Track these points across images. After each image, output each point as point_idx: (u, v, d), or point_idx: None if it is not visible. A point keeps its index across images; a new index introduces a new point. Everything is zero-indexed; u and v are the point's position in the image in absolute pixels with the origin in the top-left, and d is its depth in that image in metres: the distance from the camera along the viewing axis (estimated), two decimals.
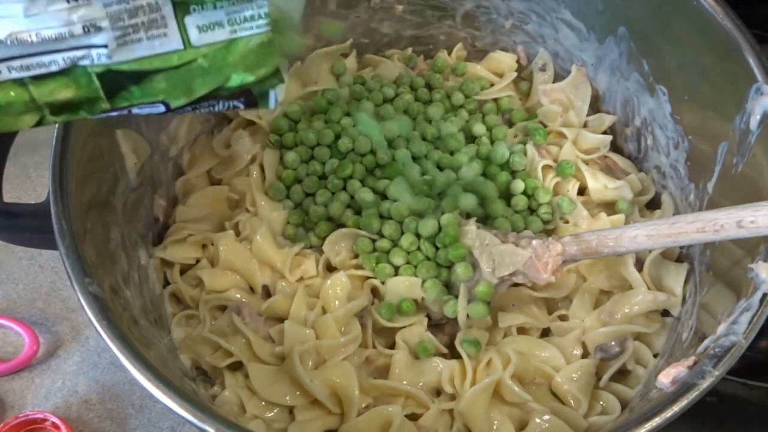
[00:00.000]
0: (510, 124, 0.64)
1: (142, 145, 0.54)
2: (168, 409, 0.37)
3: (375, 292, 0.54)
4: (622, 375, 0.51)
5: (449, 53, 0.68)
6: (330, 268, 0.55)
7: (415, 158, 0.58)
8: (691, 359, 0.40)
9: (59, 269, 0.65)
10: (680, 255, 0.54)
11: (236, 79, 0.33)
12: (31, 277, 0.66)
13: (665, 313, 0.52)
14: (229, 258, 0.54)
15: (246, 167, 0.60)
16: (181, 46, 0.31)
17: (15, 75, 0.30)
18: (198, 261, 0.56)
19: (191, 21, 0.31)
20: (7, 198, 0.48)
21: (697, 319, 0.47)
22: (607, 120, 0.62)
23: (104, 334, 0.39)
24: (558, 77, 0.65)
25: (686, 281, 0.52)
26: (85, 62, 0.31)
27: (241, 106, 0.35)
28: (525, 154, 0.60)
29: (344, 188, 0.57)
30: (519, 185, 0.58)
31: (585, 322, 0.52)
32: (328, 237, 0.55)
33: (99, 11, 0.29)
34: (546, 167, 0.59)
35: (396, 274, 0.53)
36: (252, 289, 0.54)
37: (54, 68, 0.30)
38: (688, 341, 0.47)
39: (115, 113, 0.33)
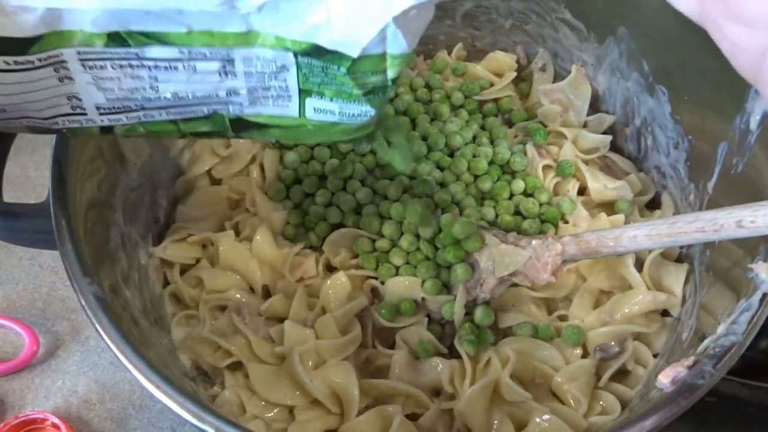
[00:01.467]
0: (510, 124, 0.64)
1: (142, 145, 0.54)
2: (168, 409, 0.37)
3: (375, 292, 0.54)
4: (622, 375, 0.51)
5: (449, 53, 0.68)
6: (330, 268, 0.55)
7: (414, 158, 0.58)
8: (691, 359, 0.40)
9: (59, 269, 0.65)
10: (680, 255, 0.54)
11: (336, 140, 0.42)
12: (31, 277, 0.66)
13: (665, 313, 0.52)
14: (229, 258, 0.54)
15: (246, 167, 0.60)
16: (297, 115, 0.39)
17: (171, 118, 0.39)
18: (198, 261, 0.56)
19: (310, 102, 0.38)
20: (7, 198, 0.48)
21: (697, 319, 0.47)
22: (607, 120, 0.62)
23: (104, 334, 0.39)
24: (558, 77, 0.65)
25: (686, 281, 0.51)
26: (223, 112, 0.39)
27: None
28: (525, 154, 0.60)
29: (344, 188, 0.57)
30: (519, 185, 0.58)
31: (585, 322, 0.52)
32: (327, 237, 0.55)
33: (241, 83, 0.37)
34: (546, 167, 0.59)
35: (396, 274, 0.53)
36: (252, 289, 0.54)
37: (199, 114, 0.39)
38: (688, 341, 0.47)
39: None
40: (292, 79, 0.37)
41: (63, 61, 0.35)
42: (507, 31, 0.66)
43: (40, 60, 0.34)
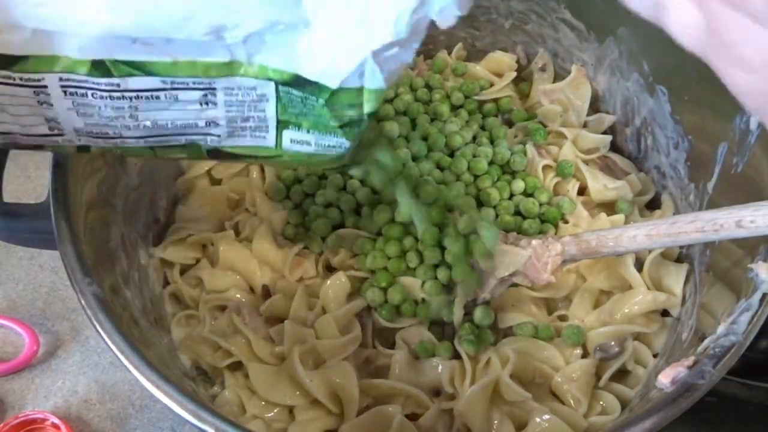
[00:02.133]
0: (510, 124, 0.64)
1: None
2: (168, 409, 0.37)
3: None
4: (622, 375, 0.51)
5: (449, 53, 0.68)
6: (330, 268, 0.55)
7: (414, 158, 0.58)
8: (691, 359, 0.40)
9: (59, 269, 0.65)
10: (680, 255, 0.54)
11: (311, 168, 0.42)
12: (31, 277, 0.66)
13: (665, 313, 0.52)
14: (229, 258, 0.54)
15: (246, 167, 0.60)
16: (273, 146, 0.40)
17: (148, 145, 0.39)
18: (198, 261, 0.56)
19: (287, 134, 0.39)
20: (7, 198, 0.48)
21: (697, 319, 0.47)
22: (607, 120, 0.62)
23: (104, 334, 0.39)
24: (558, 77, 0.65)
25: (686, 281, 0.51)
26: (200, 142, 0.39)
27: None
28: (525, 154, 0.60)
29: (344, 188, 0.57)
30: (519, 185, 0.58)
31: (585, 322, 0.52)
32: (327, 237, 0.55)
33: (221, 113, 0.37)
34: (546, 167, 0.59)
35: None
36: (252, 289, 0.54)
37: (176, 143, 0.39)
38: (688, 341, 0.47)
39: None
40: (270, 109, 0.37)
41: (44, 86, 0.35)
42: (507, 31, 0.66)
43: (21, 79, 0.34)
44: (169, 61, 0.35)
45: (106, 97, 0.35)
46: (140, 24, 0.33)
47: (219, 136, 0.39)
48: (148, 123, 0.37)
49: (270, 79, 0.36)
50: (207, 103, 0.37)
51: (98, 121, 0.37)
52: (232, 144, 0.39)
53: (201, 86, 0.36)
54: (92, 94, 0.35)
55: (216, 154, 0.40)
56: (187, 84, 0.36)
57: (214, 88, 0.36)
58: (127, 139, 0.38)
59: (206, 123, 0.38)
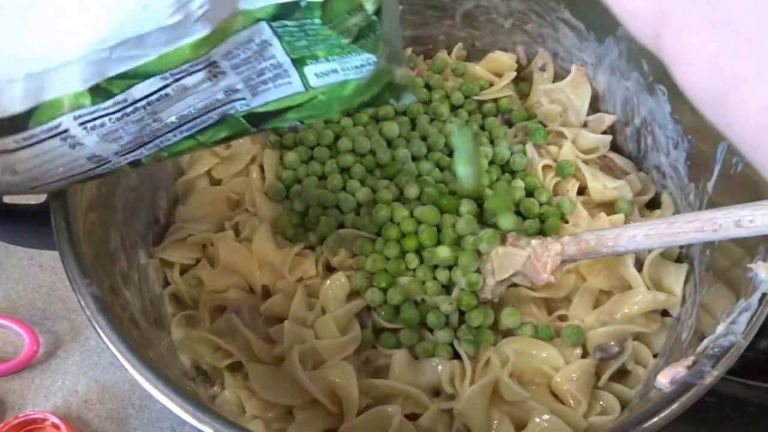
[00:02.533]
0: (510, 124, 0.64)
1: None
2: (168, 409, 0.38)
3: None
4: (621, 375, 0.50)
5: (449, 53, 0.68)
6: (330, 268, 0.55)
7: (414, 158, 0.58)
8: (690, 359, 0.40)
9: (59, 269, 0.65)
10: (680, 255, 0.54)
11: (356, 102, 0.39)
12: (31, 277, 0.66)
13: (665, 313, 0.52)
14: (229, 258, 0.54)
15: (246, 167, 0.60)
16: (303, 89, 0.38)
17: (185, 135, 0.39)
18: (198, 261, 0.56)
19: (309, 70, 0.37)
20: (7, 198, 0.48)
21: (697, 319, 0.47)
22: (607, 120, 0.62)
23: (104, 334, 0.39)
24: (558, 77, 0.65)
25: (686, 281, 0.51)
26: (232, 112, 0.39)
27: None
28: (525, 154, 0.60)
29: (344, 188, 0.57)
30: (519, 185, 0.58)
31: (584, 322, 0.52)
32: (327, 237, 0.55)
33: (234, 79, 0.37)
34: (546, 167, 0.59)
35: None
36: (252, 289, 0.54)
37: (210, 122, 0.39)
38: (688, 341, 0.47)
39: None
40: (279, 52, 0.36)
41: (65, 130, 0.35)
42: (507, 31, 0.66)
43: (43, 132, 0.35)
44: (155, 58, 0.34)
45: (122, 117, 0.36)
46: (111, 28, 0.32)
47: (245, 98, 0.38)
48: (173, 119, 0.37)
49: (259, 20, 0.34)
50: (216, 76, 0.36)
51: (129, 138, 0.37)
52: (262, 102, 0.39)
53: (201, 66, 0.35)
54: (109, 120, 0.36)
55: (255, 120, 0.39)
56: (187, 70, 0.35)
57: (215, 61, 0.35)
58: (162, 136, 0.38)
59: (225, 93, 0.37)
